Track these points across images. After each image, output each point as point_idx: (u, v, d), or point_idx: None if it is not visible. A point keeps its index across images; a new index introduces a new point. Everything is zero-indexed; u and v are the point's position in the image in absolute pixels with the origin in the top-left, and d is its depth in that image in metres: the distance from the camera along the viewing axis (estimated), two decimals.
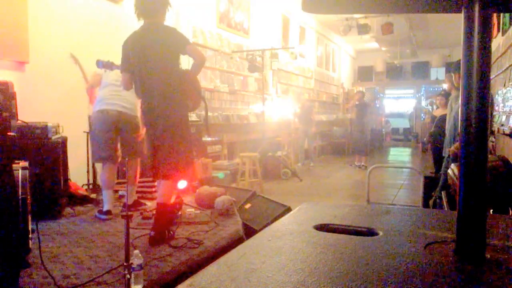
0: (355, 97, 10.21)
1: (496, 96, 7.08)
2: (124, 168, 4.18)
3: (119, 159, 3.67)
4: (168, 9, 3.02)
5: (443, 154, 4.17)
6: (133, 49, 2.92)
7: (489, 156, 3.85)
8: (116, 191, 4.46)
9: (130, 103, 3.61)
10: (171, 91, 2.88)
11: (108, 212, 3.55)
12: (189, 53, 2.96)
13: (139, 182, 4.27)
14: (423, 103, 17.06)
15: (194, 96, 3.07)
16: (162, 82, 2.87)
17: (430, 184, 4.23)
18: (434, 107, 11.17)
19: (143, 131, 3.69)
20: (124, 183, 4.31)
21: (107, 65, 3.42)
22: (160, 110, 2.86)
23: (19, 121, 3.16)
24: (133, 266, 2.01)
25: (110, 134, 3.55)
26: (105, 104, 3.55)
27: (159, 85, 2.87)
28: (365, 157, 9.51)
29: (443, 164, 4.05)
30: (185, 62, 3.25)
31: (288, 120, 9.20)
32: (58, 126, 3.78)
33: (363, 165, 9.29)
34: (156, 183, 3.12)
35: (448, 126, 4.04)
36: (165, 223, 2.98)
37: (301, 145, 9.51)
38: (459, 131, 3.80)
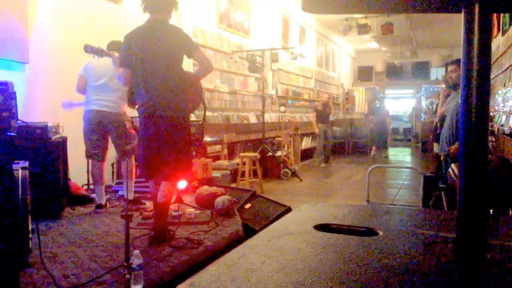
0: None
1: (496, 96, 7.08)
2: (122, 169, 4.31)
3: (105, 158, 3.84)
4: (176, 8, 3.00)
5: (439, 153, 4.16)
6: (138, 45, 2.86)
7: (489, 156, 3.85)
8: (116, 191, 4.48)
9: (113, 101, 3.70)
10: (175, 91, 2.87)
11: (99, 206, 3.73)
12: (197, 59, 2.97)
13: (139, 182, 4.30)
14: (423, 103, 17.06)
15: (195, 98, 3.07)
16: (166, 81, 2.84)
17: (430, 184, 4.22)
18: (434, 106, 11.20)
19: (131, 129, 3.80)
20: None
21: (96, 51, 3.44)
22: (162, 110, 2.84)
23: (19, 121, 3.17)
24: (133, 266, 2.01)
25: (95, 133, 3.72)
26: (90, 104, 3.71)
27: (163, 85, 2.84)
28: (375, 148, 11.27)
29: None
30: (185, 64, 3.25)
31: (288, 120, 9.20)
32: (58, 126, 3.78)
33: (374, 155, 10.91)
34: (149, 183, 3.09)
35: (445, 126, 4.03)
36: (165, 223, 2.98)
37: (321, 145, 9.49)
38: (454, 128, 3.77)
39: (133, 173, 3.97)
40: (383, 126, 11.42)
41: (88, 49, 3.44)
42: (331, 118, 11.81)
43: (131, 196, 3.89)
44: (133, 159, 3.93)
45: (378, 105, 12.21)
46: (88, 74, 3.76)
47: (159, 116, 2.84)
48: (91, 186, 4.54)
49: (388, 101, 19.10)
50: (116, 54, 3.61)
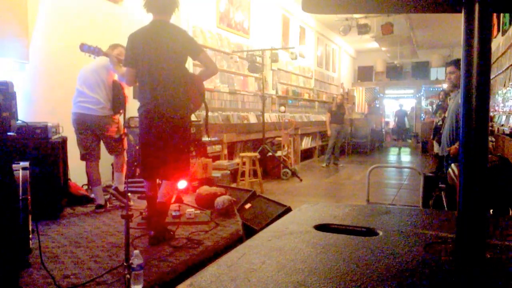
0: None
1: (496, 96, 7.09)
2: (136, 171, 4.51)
3: (98, 157, 3.89)
4: (178, 9, 3.02)
5: (439, 154, 4.15)
6: (143, 45, 2.87)
7: (489, 156, 3.84)
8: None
9: (96, 103, 3.72)
10: (178, 91, 2.88)
11: (99, 206, 3.77)
12: (202, 61, 2.98)
13: (139, 182, 4.32)
14: (423, 103, 17.07)
15: (197, 99, 3.08)
16: (170, 82, 2.86)
17: (430, 184, 4.22)
18: (434, 106, 11.21)
19: (114, 128, 3.86)
20: (133, 182, 4.48)
21: (93, 51, 3.50)
22: (165, 110, 2.84)
23: (19, 121, 3.17)
24: (133, 266, 2.01)
25: (82, 134, 3.76)
26: (74, 107, 3.76)
27: (167, 85, 2.85)
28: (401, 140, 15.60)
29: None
30: (186, 64, 3.26)
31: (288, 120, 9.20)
32: (58, 126, 3.79)
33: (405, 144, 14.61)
34: (145, 184, 3.10)
35: (445, 126, 4.03)
36: (165, 223, 2.98)
37: (331, 145, 9.45)
38: (454, 128, 3.77)
39: (124, 167, 4.07)
40: (403, 124, 16.28)
41: (85, 48, 3.48)
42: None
43: (121, 187, 4.06)
44: (124, 155, 4.05)
45: (399, 108, 17.05)
46: (78, 79, 3.81)
47: (162, 116, 2.85)
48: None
49: (387, 101, 19.19)
50: (114, 54, 3.65)
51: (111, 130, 3.82)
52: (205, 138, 5.29)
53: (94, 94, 3.71)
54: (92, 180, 3.84)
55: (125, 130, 3.97)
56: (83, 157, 3.83)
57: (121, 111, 3.87)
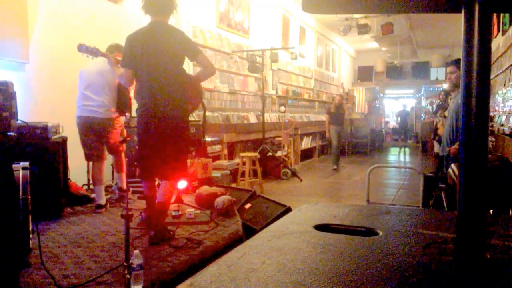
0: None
1: (496, 96, 7.09)
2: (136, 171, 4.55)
3: (103, 158, 3.90)
4: (176, 10, 3.02)
5: (440, 153, 4.15)
6: (141, 46, 2.88)
7: (489, 156, 3.84)
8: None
9: (102, 106, 3.73)
10: (176, 92, 2.88)
11: (99, 206, 3.77)
12: (200, 62, 2.99)
13: (139, 182, 4.32)
14: (423, 103, 17.09)
15: (195, 99, 3.09)
16: (168, 82, 2.86)
17: (430, 184, 4.22)
18: (434, 106, 11.22)
19: (118, 130, 3.88)
20: (133, 182, 4.51)
21: (91, 51, 3.51)
22: (164, 110, 2.84)
23: (19, 121, 3.17)
24: (133, 266, 2.01)
25: (87, 136, 3.78)
26: (79, 110, 3.77)
27: (165, 86, 2.85)
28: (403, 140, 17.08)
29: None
30: (186, 65, 3.26)
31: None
32: (58, 126, 3.79)
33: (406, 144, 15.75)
34: (142, 184, 3.10)
35: (445, 126, 4.04)
36: (165, 223, 2.98)
37: (334, 146, 9.37)
38: (454, 128, 3.78)
39: (123, 167, 4.12)
40: (406, 124, 17.35)
41: (82, 48, 3.48)
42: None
43: (124, 186, 4.12)
44: (123, 155, 4.09)
45: (402, 108, 17.86)
46: (79, 81, 3.80)
47: (160, 116, 2.85)
48: (91, 186, 4.55)
49: (387, 101, 19.24)
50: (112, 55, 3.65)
51: (115, 132, 3.82)
52: (206, 138, 5.29)
53: (99, 97, 3.70)
54: (96, 180, 3.85)
55: (126, 132, 3.98)
56: (87, 157, 3.85)
57: (126, 113, 3.86)
